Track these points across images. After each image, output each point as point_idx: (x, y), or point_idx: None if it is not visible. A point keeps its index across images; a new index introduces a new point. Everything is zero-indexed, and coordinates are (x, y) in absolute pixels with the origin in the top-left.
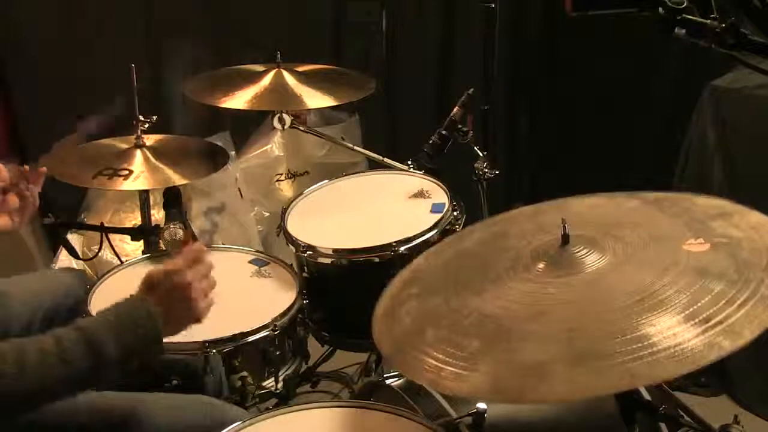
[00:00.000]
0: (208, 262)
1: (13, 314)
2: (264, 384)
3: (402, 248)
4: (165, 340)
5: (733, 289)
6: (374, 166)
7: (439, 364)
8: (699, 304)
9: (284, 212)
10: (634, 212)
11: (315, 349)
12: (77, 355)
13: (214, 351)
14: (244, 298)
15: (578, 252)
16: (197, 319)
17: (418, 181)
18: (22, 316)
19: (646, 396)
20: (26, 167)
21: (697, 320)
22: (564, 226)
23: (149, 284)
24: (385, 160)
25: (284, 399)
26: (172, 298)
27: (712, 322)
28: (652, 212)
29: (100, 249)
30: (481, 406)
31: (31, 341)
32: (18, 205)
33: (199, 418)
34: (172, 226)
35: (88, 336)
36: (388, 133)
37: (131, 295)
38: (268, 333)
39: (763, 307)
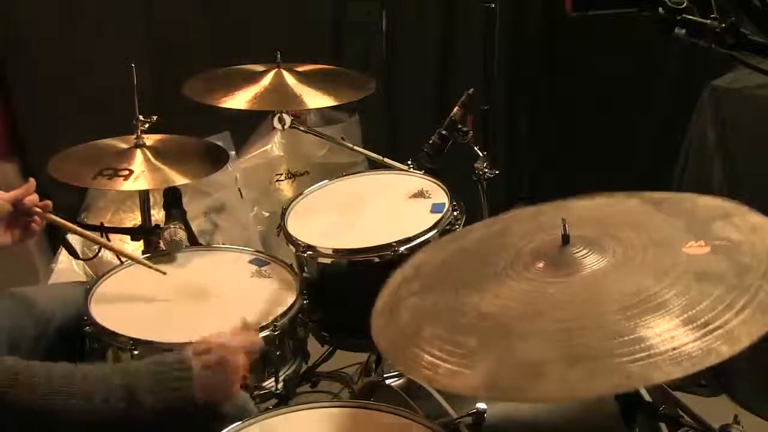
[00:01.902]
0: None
1: (30, 323)
2: (264, 384)
3: (402, 248)
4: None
5: (732, 293)
6: (374, 166)
7: (437, 361)
8: (698, 308)
9: (284, 212)
10: (634, 213)
11: (315, 349)
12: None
13: None
14: (244, 298)
15: (578, 252)
16: (226, 398)
17: (418, 181)
18: (38, 325)
19: (647, 396)
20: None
21: (695, 324)
22: (564, 226)
23: (202, 349)
24: (385, 160)
25: (284, 399)
26: (217, 371)
27: (711, 326)
28: (652, 213)
29: (100, 249)
30: (481, 406)
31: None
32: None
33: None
34: (172, 226)
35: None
36: (388, 133)
37: (175, 352)
38: (268, 333)
39: (761, 313)
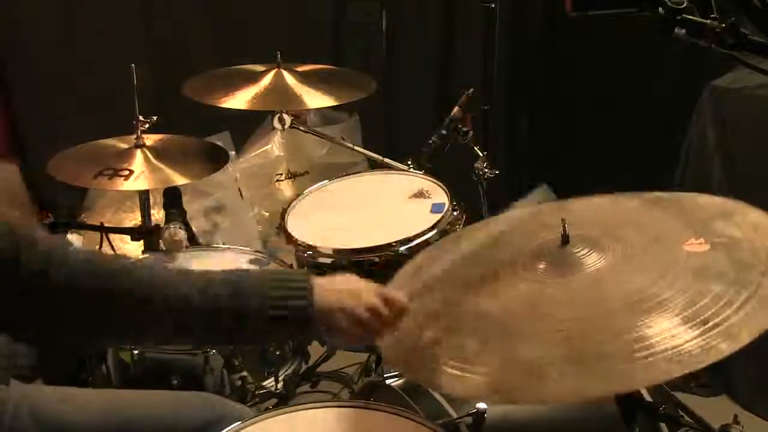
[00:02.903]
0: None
1: None
2: (264, 384)
3: (402, 248)
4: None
5: (732, 290)
6: (374, 166)
7: (437, 363)
8: (698, 306)
9: (284, 212)
10: (634, 212)
11: (315, 349)
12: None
13: (214, 351)
14: None
15: (578, 252)
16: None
17: (418, 181)
18: None
19: (647, 396)
20: None
21: (695, 322)
22: (564, 227)
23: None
24: (385, 160)
25: (284, 399)
26: (342, 301)
27: (711, 324)
28: (652, 212)
29: (99, 249)
30: (481, 406)
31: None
32: None
33: (202, 412)
34: (172, 226)
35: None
36: (388, 133)
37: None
38: None
39: (761, 309)
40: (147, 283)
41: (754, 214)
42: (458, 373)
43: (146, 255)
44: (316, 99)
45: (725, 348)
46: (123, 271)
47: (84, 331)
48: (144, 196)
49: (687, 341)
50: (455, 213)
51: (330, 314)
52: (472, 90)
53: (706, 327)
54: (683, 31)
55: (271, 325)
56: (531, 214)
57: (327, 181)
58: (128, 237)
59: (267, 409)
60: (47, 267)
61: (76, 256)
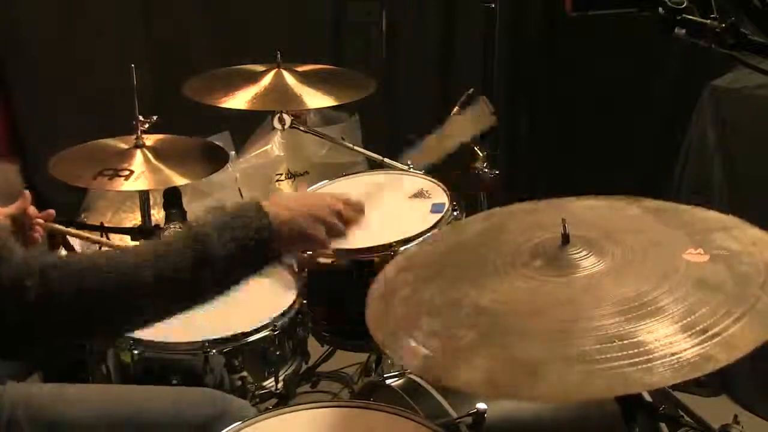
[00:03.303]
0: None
1: None
2: (264, 384)
3: (402, 248)
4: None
5: (730, 302)
6: (374, 166)
7: (433, 354)
8: (696, 315)
9: None
10: (634, 218)
11: (315, 349)
12: (178, 245)
13: (214, 351)
14: (244, 298)
15: (578, 253)
16: (316, 241)
17: (418, 181)
18: None
19: (647, 396)
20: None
21: (694, 331)
22: (564, 226)
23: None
24: (385, 160)
25: (284, 399)
26: (297, 210)
27: (709, 333)
28: (652, 220)
29: (99, 249)
30: (481, 406)
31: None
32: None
33: (203, 407)
34: (172, 226)
35: (190, 227)
36: (388, 133)
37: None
38: (268, 333)
39: (759, 322)
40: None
41: (753, 231)
42: (453, 363)
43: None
44: (316, 99)
45: (723, 358)
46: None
47: (77, 334)
48: (144, 196)
49: (685, 349)
50: (455, 213)
51: (292, 221)
52: (472, 90)
53: (705, 336)
54: (683, 31)
55: (238, 257)
56: (529, 211)
57: (327, 181)
58: (128, 237)
59: (267, 409)
60: (24, 278)
61: (47, 262)
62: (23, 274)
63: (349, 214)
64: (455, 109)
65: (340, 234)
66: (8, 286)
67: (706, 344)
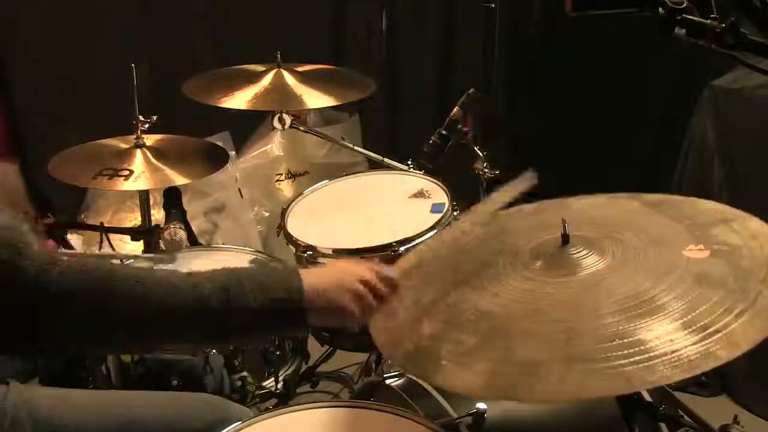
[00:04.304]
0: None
1: None
2: (264, 384)
3: (402, 248)
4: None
5: (731, 298)
6: (374, 166)
7: (435, 357)
8: (697, 312)
9: (284, 212)
10: (634, 215)
11: (315, 349)
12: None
13: (214, 351)
14: None
15: (578, 253)
16: (352, 318)
17: (418, 181)
18: None
19: (647, 396)
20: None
21: (694, 328)
22: (564, 226)
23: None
24: (385, 160)
25: (284, 399)
26: (335, 282)
27: (710, 330)
28: (652, 215)
29: (99, 249)
30: (481, 406)
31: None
32: None
33: (203, 414)
34: (172, 226)
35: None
36: (388, 133)
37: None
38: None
39: (760, 318)
40: (141, 288)
41: (753, 222)
42: (457, 369)
43: (147, 254)
44: (316, 99)
45: (724, 355)
46: (114, 274)
47: (85, 340)
48: (144, 196)
49: (686, 346)
50: (455, 213)
51: (324, 293)
52: (472, 90)
53: (705, 333)
54: (683, 31)
55: (268, 319)
56: (530, 212)
57: (327, 181)
58: (128, 237)
59: (267, 409)
60: (43, 276)
61: (65, 263)
62: (48, 264)
63: (381, 288)
64: (455, 109)
65: (369, 309)
66: (32, 281)
67: (706, 341)
